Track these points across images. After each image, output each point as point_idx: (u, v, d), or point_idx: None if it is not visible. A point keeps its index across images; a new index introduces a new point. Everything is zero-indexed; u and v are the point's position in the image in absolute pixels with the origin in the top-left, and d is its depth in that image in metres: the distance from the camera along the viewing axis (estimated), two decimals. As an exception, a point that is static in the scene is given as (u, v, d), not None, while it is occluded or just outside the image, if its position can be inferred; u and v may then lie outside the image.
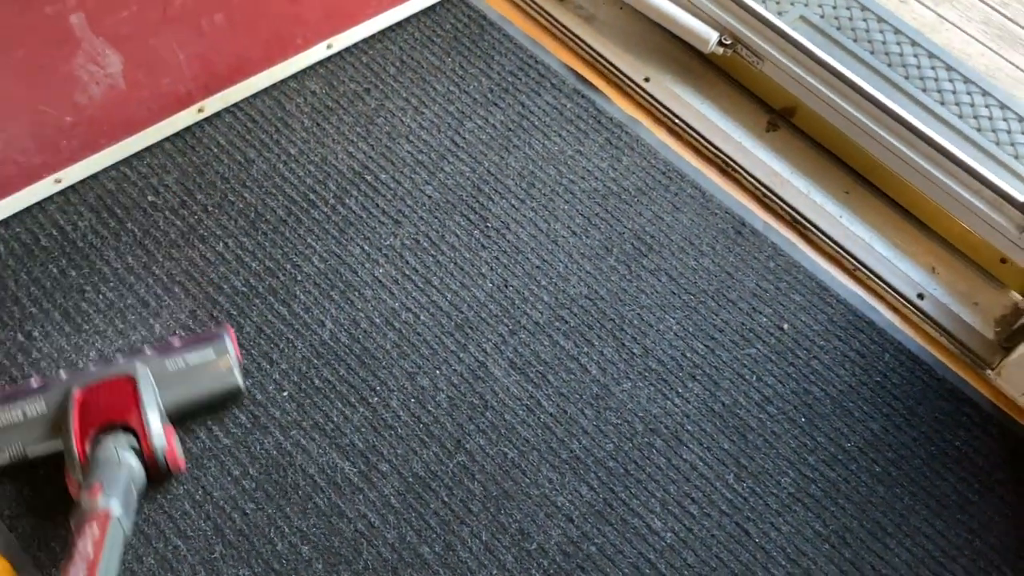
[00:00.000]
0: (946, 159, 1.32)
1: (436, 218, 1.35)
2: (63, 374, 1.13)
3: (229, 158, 1.37)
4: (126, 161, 1.35)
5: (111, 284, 1.25)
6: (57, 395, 1.08)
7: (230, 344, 1.16)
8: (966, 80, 1.79)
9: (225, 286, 1.27)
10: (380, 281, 1.29)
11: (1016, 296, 1.35)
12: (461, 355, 1.24)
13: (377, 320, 1.26)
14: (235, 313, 1.25)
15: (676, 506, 1.16)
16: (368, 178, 1.38)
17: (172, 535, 1.10)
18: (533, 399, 1.22)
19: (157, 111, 1.32)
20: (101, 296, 1.24)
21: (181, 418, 1.14)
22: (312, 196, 1.35)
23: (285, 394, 1.20)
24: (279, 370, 1.21)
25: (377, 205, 1.36)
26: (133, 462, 1.03)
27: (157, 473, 1.07)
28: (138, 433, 1.05)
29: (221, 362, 1.14)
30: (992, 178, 1.30)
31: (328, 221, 1.34)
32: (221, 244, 1.30)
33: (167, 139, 1.37)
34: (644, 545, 1.13)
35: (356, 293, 1.28)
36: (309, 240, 1.32)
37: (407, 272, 1.30)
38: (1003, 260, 1.33)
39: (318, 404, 1.19)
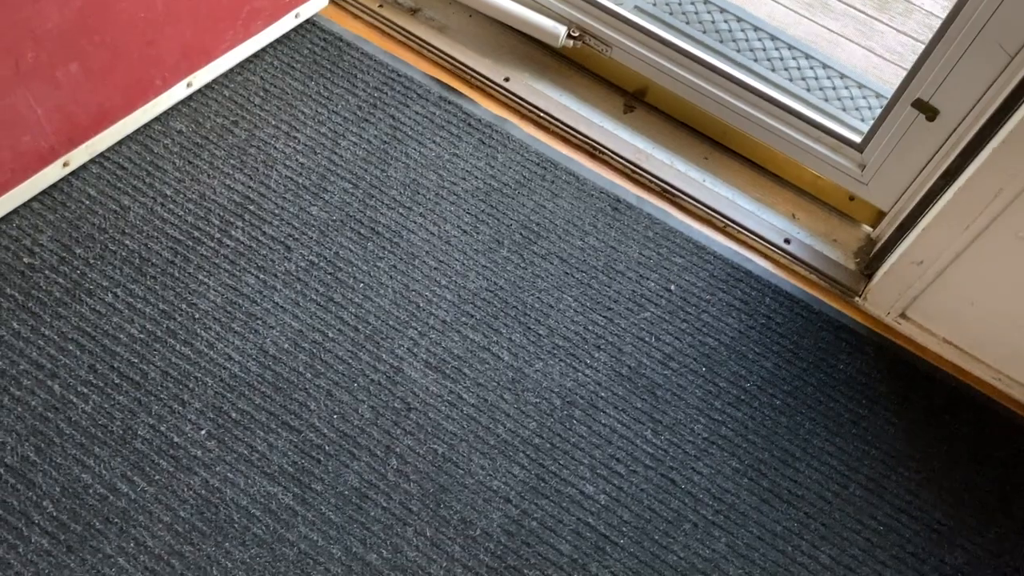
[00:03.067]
0: (788, 114, 1.45)
1: (327, 237, 1.37)
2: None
3: (103, 208, 1.34)
4: (-7, 226, 1.30)
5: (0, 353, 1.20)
6: None
7: None
8: (790, 47, 1.95)
9: (122, 336, 1.24)
10: (281, 306, 1.30)
11: (867, 228, 1.49)
12: (376, 364, 1.26)
13: (285, 345, 1.26)
14: (136, 361, 1.22)
15: (604, 468, 1.22)
16: (251, 208, 1.38)
17: (110, 593, 1.06)
18: (453, 394, 1.25)
19: (20, 171, 1.28)
20: (-11, 367, 1.19)
21: None
22: (196, 233, 1.34)
23: (203, 432, 1.18)
24: (193, 410, 1.20)
25: (264, 233, 1.36)
26: None
27: None
28: None
29: None
30: (828, 124, 1.43)
31: (217, 255, 1.33)
32: (110, 295, 1.27)
33: (35, 198, 1.33)
34: (581, 511, 1.18)
35: (259, 322, 1.28)
36: (201, 277, 1.31)
37: (307, 293, 1.31)
38: (851, 198, 1.47)
39: (239, 436, 1.19)
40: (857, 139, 1.42)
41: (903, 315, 1.37)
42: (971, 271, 1.25)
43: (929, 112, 1.27)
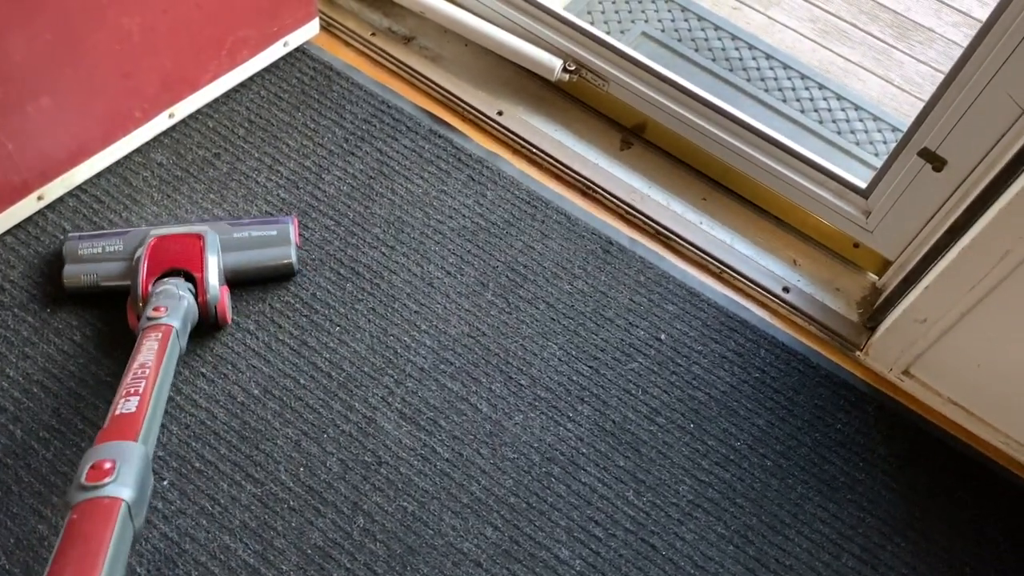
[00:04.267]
0: (791, 156, 1.38)
1: (304, 276, 1.32)
2: (144, 225, 1.31)
3: (77, 243, 1.31)
4: (-37, 261, 1.27)
5: (-40, 394, 1.17)
6: (135, 239, 1.26)
7: (292, 229, 1.31)
8: (803, 76, 1.89)
9: (88, 378, 1.20)
10: (252, 350, 1.25)
11: (873, 277, 1.42)
12: (348, 414, 1.22)
13: (255, 391, 1.22)
14: (102, 405, 1.18)
15: (581, 531, 1.16)
16: (229, 245, 1.34)
17: (57, 654, 1.02)
18: (427, 447, 1.20)
19: (-9, 205, 1.25)
20: (-50, 409, 1.16)
21: (237, 281, 1.28)
22: (172, 271, 1.30)
23: (165, 483, 1.14)
24: (156, 458, 1.16)
25: (242, 272, 1.32)
26: (190, 300, 1.19)
27: (206, 319, 1.22)
28: (197, 281, 1.21)
29: (280, 239, 1.29)
30: (834, 169, 1.36)
31: (192, 295, 1.29)
32: (79, 335, 1.24)
33: (7, 232, 1.30)
34: (555, 577, 1.13)
35: (228, 366, 1.24)
36: (174, 317, 1.27)
37: (280, 336, 1.27)
38: (856, 245, 1.40)
39: (201, 488, 1.14)
40: (863, 185, 1.35)
41: (906, 372, 1.30)
42: (977, 332, 1.18)
43: (936, 162, 1.20)
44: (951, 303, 1.16)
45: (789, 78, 1.90)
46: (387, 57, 1.56)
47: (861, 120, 1.86)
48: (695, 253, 1.41)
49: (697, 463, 1.23)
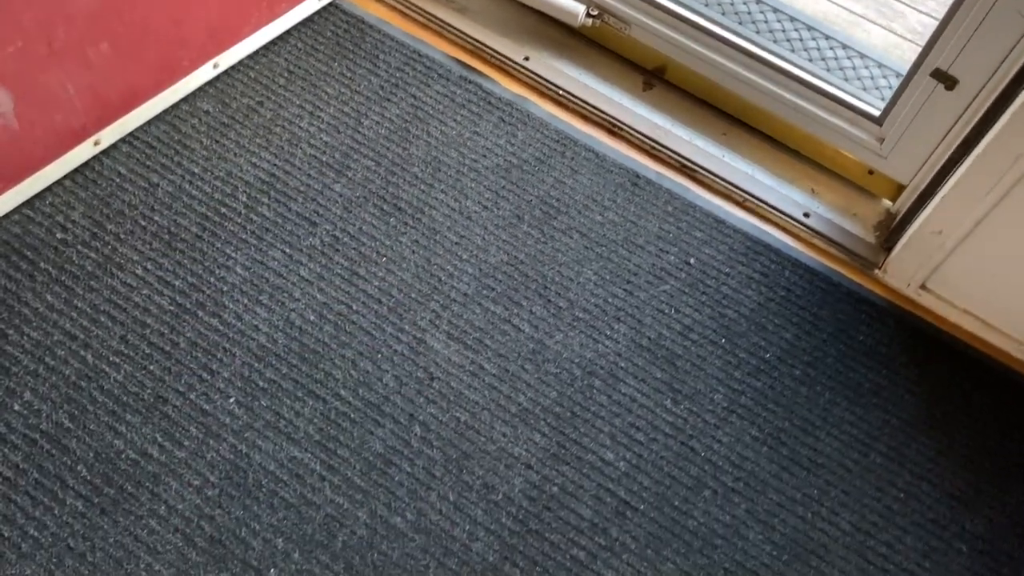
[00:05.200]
0: (806, 88, 1.46)
1: (351, 213, 1.39)
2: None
3: (133, 186, 1.38)
4: (28, 203, 1.33)
5: (33, 324, 1.24)
6: None
7: None
8: (809, 28, 1.95)
9: (152, 308, 1.27)
10: (307, 280, 1.32)
11: (887, 203, 1.49)
12: (399, 335, 1.29)
13: (311, 316, 1.29)
14: (167, 332, 1.25)
15: (624, 436, 1.23)
16: (277, 185, 1.40)
17: (143, 554, 1.09)
18: (475, 364, 1.27)
19: (53, 148, 1.31)
20: (26, 337, 1.23)
21: None
22: (223, 210, 1.37)
23: (231, 400, 1.21)
24: (221, 379, 1.22)
25: (290, 209, 1.38)
26: None
27: None
28: None
29: None
30: (848, 99, 1.44)
31: (244, 231, 1.35)
32: (140, 268, 1.30)
33: (67, 176, 1.36)
34: (602, 477, 1.20)
35: (285, 295, 1.30)
36: (228, 251, 1.33)
37: (332, 267, 1.34)
38: (870, 172, 1.47)
39: (266, 404, 1.21)
40: (876, 112, 1.42)
41: (923, 287, 1.38)
42: (991, 241, 1.25)
43: (948, 81, 1.27)
44: (966, 212, 1.23)
45: (796, 29, 1.96)
46: (416, 10, 1.62)
47: (867, 67, 1.92)
48: (719, 183, 1.48)
49: (730, 373, 1.30)
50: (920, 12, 2.05)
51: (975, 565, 1.19)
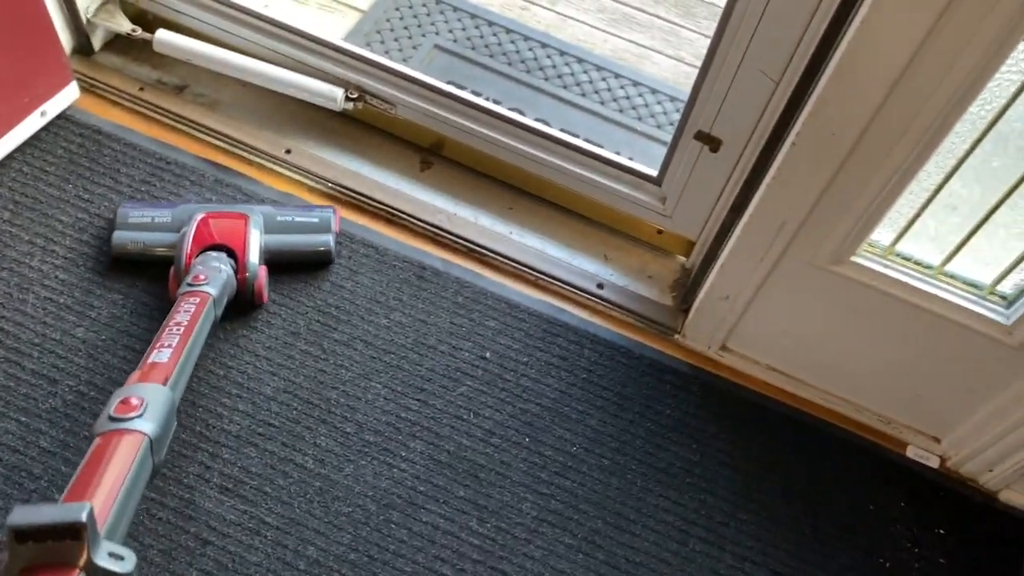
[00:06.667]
0: (585, 156, 1.39)
1: (97, 361, 1.23)
2: (193, 200, 1.38)
3: None
4: None
5: None
6: (184, 213, 1.31)
7: (334, 218, 1.37)
8: (598, 68, 1.91)
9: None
10: (48, 451, 1.15)
11: (681, 259, 1.45)
12: (163, 500, 1.14)
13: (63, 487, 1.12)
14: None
15: (428, 572, 1.13)
16: (7, 341, 1.23)
17: None
18: (254, 519, 1.14)
19: None
20: None
21: (276, 262, 1.33)
22: (-57, 382, 1.18)
23: None
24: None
25: (24, 368, 1.21)
26: (230, 273, 1.24)
27: (243, 296, 1.27)
28: (238, 258, 1.26)
29: (321, 226, 1.35)
30: (625, 162, 1.38)
31: (-30, 404, 1.17)
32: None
33: None
34: (406, 627, 1.09)
35: (23, 473, 1.13)
36: (-49, 432, 1.15)
37: (76, 430, 1.17)
38: (659, 231, 1.42)
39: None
40: (654, 174, 1.37)
41: (724, 347, 1.33)
42: (775, 301, 1.21)
43: (712, 143, 1.22)
44: (746, 277, 1.19)
45: (585, 71, 1.92)
46: (160, 111, 1.47)
47: (659, 103, 1.89)
48: (509, 265, 1.40)
49: (536, 476, 1.22)
50: (706, 37, 2.04)
51: (805, 644, 1.14)
